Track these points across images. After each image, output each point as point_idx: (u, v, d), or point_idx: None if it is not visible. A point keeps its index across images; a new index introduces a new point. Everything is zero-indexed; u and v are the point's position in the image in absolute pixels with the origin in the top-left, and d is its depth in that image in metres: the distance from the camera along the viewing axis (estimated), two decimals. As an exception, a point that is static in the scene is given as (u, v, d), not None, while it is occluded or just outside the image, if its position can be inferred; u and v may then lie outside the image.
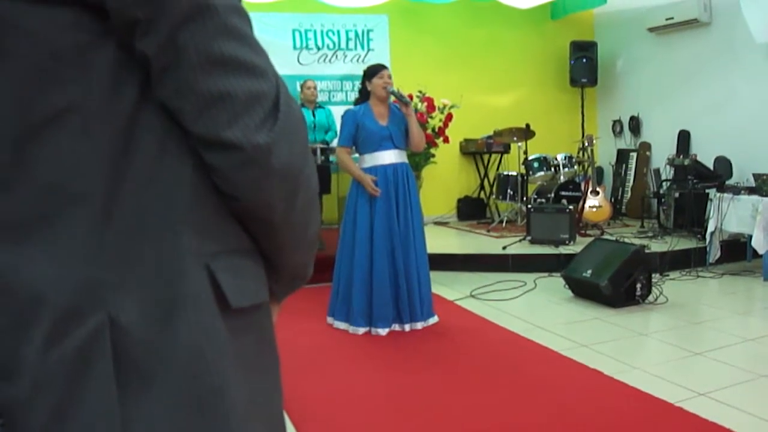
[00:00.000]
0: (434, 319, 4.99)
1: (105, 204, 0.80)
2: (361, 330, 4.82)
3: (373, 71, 4.93)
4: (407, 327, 4.85)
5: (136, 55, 0.80)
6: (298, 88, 8.21)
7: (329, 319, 5.05)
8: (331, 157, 7.10)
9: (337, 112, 5.08)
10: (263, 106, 0.85)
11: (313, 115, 7.89)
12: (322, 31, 9.59)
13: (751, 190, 6.56)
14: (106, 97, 0.80)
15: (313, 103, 8.01)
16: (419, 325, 4.86)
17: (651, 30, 9.41)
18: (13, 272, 0.78)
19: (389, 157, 4.87)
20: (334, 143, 7.17)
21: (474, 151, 10.13)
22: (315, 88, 8.06)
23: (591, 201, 8.19)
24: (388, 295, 4.81)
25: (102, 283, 0.79)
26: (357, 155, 5.03)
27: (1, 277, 0.78)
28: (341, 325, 4.93)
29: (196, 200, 0.87)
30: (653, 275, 5.67)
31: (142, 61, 0.81)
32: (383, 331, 4.79)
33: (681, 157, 8.01)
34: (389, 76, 4.90)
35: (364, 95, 5.00)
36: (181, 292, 0.83)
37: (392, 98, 4.88)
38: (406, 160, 4.99)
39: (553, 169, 8.58)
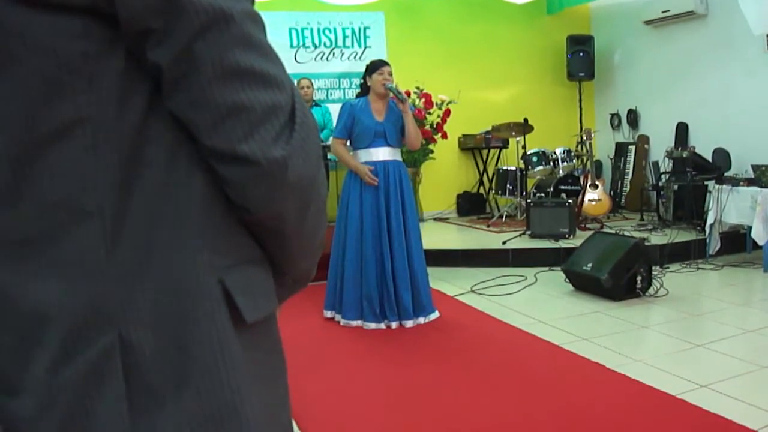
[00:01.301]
0: (435, 315, 4.98)
1: (114, 219, 0.78)
2: (353, 323, 4.86)
3: (374, 67, 4.95)
4: (394, 324, 4.85)
5: (148, 64, 0.78)
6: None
7: (327, 313, 5.09)
8: (329, 155, 7.06)
9: (335, 110, 5.07)
10: (279, 118, 0.83)
11: None
12: (318, 29, 9.57)
13: (750, 182, 6.56)
14: (114, 107, 0.77)
15: (309, 102, 7.98)
16: (409, 323, 4.85)
17: (647, 23, 9.41)
18: (19, 290, 0.76)
19: (381, 154, 4.89)
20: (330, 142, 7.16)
21: (472, 147, 10.13)
22: (309, 87, 8.03)
23: (590, 194, 8.19)
24: (376, 291, 4.83)
25: (112, 301, 0.77)
26: (351, 152, 5.04)
27: (7, 295, 0.77)
28: (337, 318, 4.97)
29: (207, 212, 0.85)
30: (653, 268, 5.67)
31: (152, 71, 0.79)
32: (372, 325, 4.82)
33: (679, 149, 8.00)
34: (390, 73, 4.91)
35: (364, 90, 5.03)
36: (194, 310, 0.81)
37: (391, 94, 4.88)
38: (399, 158, 5.00)
39: (551, 163, 8.58)
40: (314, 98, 8.29)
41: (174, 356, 0.80)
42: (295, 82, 7.98)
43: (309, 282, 1.10)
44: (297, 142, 0.85)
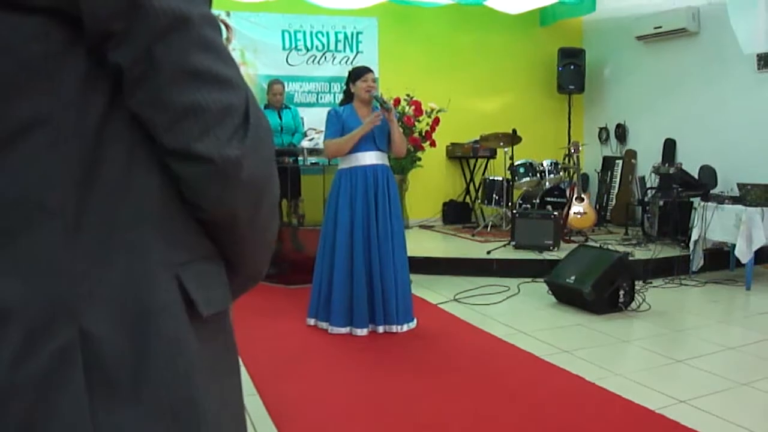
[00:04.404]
0: (413, 324, 4.96)
1: (73, 216, 0.78)
2: (342, 330, 4.80)
3: (357, 74, 4.93)
4: (381, 329, 4.83)
5: (108, 65, 0.79)
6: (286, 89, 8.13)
7: (310, 320, 5.01)
8: (311, 158, 6.93)
9: (324, 113, 5.05)
10: (234, 118, 0.85)
11: (279, 117, 7.64)
12: (311, 32, 9.58)
13: (735, 200, 6.59)
14: (74, 107, 0.78)
15: (280, 106, 7.76)
16: (395, 328, 4.84)
17: (639, 38, 9.45)
18: None
19: (370, 158, 4.86)
20: (303, 144, 7.07)
21: (460, 156, 10.14)
22: (281, 93, 7.80)
23: (576, 207, 8.21)
24: (365, 296, 4.80)
25: (72, 296, 0.78)
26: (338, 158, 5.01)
27: None
28: (323, 325, 4.90)
29: (165, 209, 0.86)
30: (636, 282, 5.68)
31: (113, 71, 0.80)
32: (362, 332, 4.78)
33: (666, 165, 8.03)
34: (373, 80, 4.91)
35: (348, 96, 5.00)
36: (152, 304, 0.82)
37: (376, 103, 4.85)
38: (387, 163, 4.98)
39: (538, 175, 8.59)
40: (286, 102, 8.04)
41: (133, 351, 0.80)
42: (266, 85, 7.87)
43: (261, 279, 1.12)
44: (251, 142, 0.87)
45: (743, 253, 6.23)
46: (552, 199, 8.43)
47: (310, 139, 7.31)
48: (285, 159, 6.75)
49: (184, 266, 0.87)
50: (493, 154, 9.87)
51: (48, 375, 0.75)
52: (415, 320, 4.99)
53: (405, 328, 4.89)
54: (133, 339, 0.80)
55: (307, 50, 9.57)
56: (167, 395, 0.82)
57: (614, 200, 9.88)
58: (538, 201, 8.34)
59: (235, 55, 9.10)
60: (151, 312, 0.82)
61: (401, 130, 5.14)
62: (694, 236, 6.76)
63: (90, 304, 0.78)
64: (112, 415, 0.78)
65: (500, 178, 8.87)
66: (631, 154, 9.86)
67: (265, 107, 7.65)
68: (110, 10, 0.75)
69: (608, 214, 9.87)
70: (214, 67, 0.84)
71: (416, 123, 8.82)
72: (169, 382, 0.82)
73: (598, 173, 10.25)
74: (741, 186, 6.58)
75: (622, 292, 5.42)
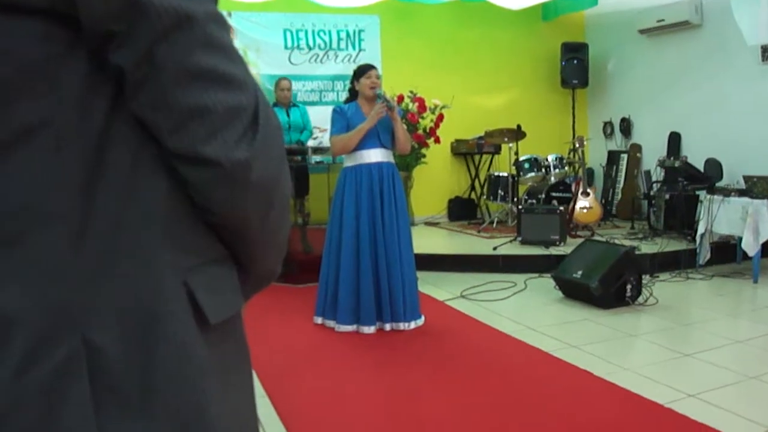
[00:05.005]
0: (420, 321, 4.97)
1: (78, 221, 0.77)
2: (348, 328, 4.81)
3: (361, 71, 4.95)
4: (388, 326, 4.84)
5: (110, 67, 0.77)
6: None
7: (317, 319, 5.02)
8: (315, 157, 6.94)
9: (327, 112, 5.07)
10: (242, 119, 0.83)
11: (288, 115, 7.61)
12: (313, 31, 9.57)
13: (741, 192, 6.57)
14: (77, 110, 0.76)
15: (288, 103, 7.74)
16: (402, 326, 4.84)
17: (642, 32, 9.42)
18: None
19: (375, 155, 4.87)
20: (310, 143, 7.07)
21: (465, 152, 10.13)
22: (289, 89, 7.79)
23: (581, 202, 8.20)
24: (372, 293, 4.80)
25: (76, 304, 0.76)
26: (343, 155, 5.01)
27: None
28: (330, 324, 4.91)
29: (172, 213, 0.84)
30: (643, 276, 5.67)
31: (115, 73, 0.77)
32: (369, 329, 4.78)
33: (671, 158, 8.02)
34: (377, 76, 4.92)
35: (353, 95, 5.02)
36: (159, 311, 0.80)
37: (379, 101, 4.84)
38: (392, 160, 4.98)
39: (543, 170, 8.58)
40: (293, 100, 8.04)
41: (140, 357, 0.79)
42: (274, 83, 7.86)
43: (274, 280, 1.09)
44: (260, 144, 0.85)
45: (750, 246, 6.21)
46: (557, 194, 8.41)
47: (314, 138, 7.27)
48: (294, 157, 6.74)
49: (193, 270, 0.85)
50: (497, 150, 9.88)
51: (53, 384, 0.74)
52: (422, 317, 4.99)
53: (412, 325, 4.89)
54: (139, 345, 0.78)
55: (310, 49, 9.57)
56: (175, 401, 0.80)
57: (620, 194, 9.87)
58: (543, 196, 8.32)
59: (238, 55, 9.09)
60: (158, 317, 0.80)
61: (405, 127, 5.13)
62: (701, 229, 6.75)
63: (95, 311, 0.77)
64: (118, 422, 0.77)
65: (505, 174, 8.86)
66: (636, 148, 9.84)
67: (274, 105, 7.63)
68: (108, 11, 0.73)
69: (614, 208, 9.86)
70: (221, 67, 0.81)
71: (420, 120, 8.82)
72: (176, 387, 0.80)
73: (603, 167, 10.23)
74: (747, 178, 6.56)
75: (629, 287, 5.41)
